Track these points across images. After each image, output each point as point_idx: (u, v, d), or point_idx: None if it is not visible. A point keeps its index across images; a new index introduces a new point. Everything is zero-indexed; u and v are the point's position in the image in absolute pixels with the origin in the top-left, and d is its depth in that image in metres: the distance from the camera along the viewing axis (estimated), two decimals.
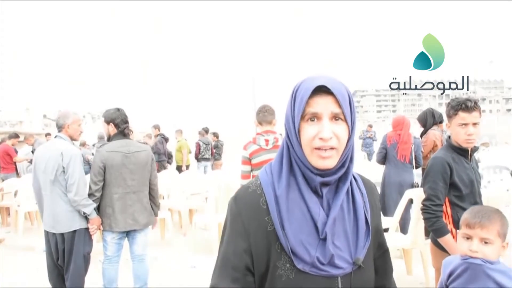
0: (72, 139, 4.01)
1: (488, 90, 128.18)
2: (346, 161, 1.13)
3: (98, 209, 3.91)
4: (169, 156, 12.36)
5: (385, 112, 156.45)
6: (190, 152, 12.87)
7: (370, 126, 18.89)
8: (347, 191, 1.17)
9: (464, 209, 2.14)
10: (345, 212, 1.15)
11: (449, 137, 2.88)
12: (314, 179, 1.11)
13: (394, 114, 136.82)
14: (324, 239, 1.10)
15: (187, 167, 12.37)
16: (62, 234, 3.86)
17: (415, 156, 5.88)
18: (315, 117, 1.09)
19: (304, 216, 1.11)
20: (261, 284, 1.15)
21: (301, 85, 1.13)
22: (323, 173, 1.11)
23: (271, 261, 1.12)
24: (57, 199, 3.81)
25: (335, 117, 1.09)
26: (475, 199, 2.76)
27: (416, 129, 6.61)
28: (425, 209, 2.73)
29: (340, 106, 1.09)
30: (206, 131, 13.43)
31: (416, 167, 5.97)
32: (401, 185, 5.72)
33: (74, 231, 3.84)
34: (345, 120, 1.10)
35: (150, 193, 4.14)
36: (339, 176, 1.13)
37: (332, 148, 1.08)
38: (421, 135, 6.32)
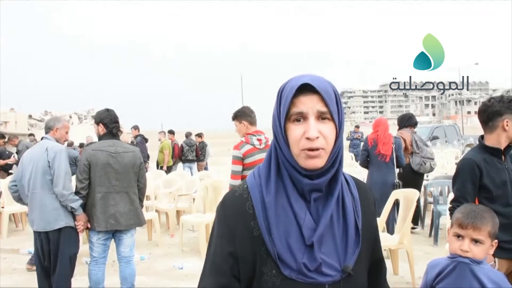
0: (58, 142, 4.07)
1: (473, 92, 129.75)
2: (335, 161, 1.09)
3: (84, 208, 3.89)
4: (147, 157, 12.34)
5: (372, 113, 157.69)
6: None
7: (357, 126, 18.96)
8: (337, 195, 1.12)
9: (495, 211, 2.05)
10: (334, 218, 1.11)
11: (482, 137, 2.77)
12: (302, 181, 1.07)
13: (381, 115, 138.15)
14: (311, 246, 1.06)
15: (168, 168, 12.27)
16: (48, 235, 3.86)
17: (396, 155, 5.96)
18: (301, 117, 1.06)
19: (291, 221, 1.07)
20: None
21: (287, 85, 1.10)
22: (312, 174, 1.07)
23: (257, 267, 1.09)
24: (45, 196, 3.85)
25: (321, 116, 1.06)
26: (507, 200, 2.63)
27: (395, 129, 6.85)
28: (451, 210, 2.65)
29: (326, 105, 1.05)
30: (187, 135, 13.49)
31: (398, 166, 6.06)
32: (384, 184, 5.81)
33: (60, 230, 3.84)
34: (332, 119, 1.07)
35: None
36: (328, 178, 1.09)
37: (319, 148, 1.04)
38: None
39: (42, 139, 4.08)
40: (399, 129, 6.71)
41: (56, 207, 3.83)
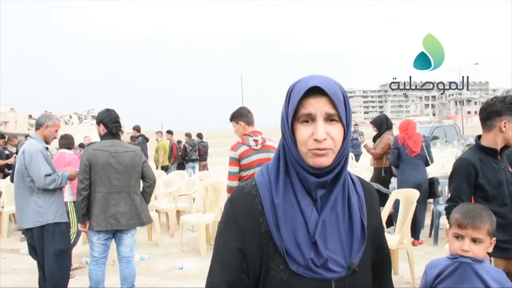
0: (46, 141, 4.11)
1: (473, 92, 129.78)
2: (341, 160, 1.12)
3: (87, 209, 3.90)
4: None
5: (372, 113, 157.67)
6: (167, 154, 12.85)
7: (356, 125, 18.88)
8: (343, 194, 1.15)
9: (491, 211, 2.08)
10: (340, 215, 1.13)
11: (478, 137, 2.77)
12: (308, 179, 1.09)
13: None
14: (316, 242, 1.09)
15: (163, 168, 12.30)
16: (32, 232, 3.92)
17: (427, 153, 6.14)
18: (309, 118, 1.08)
19: (298, 217, 1.10)
20: (255, 285, 1.14)
21: (296, 86, 1.12)
22: (318, 172, 1.09)
23: (264, 262, 1.12)
24: (25, 195, 3.91)
25: (329, 118, 1.07)
26: (504, 200, 2.62)
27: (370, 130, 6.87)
28: (447, 209, 2.66)
29: (335, 107, 1.07)
30: (189, 136, 13.70)
31: (427, 165, 6.18)
32: (416, 181, 5.90)
33: (42, 227, 3.89)
34: (340, 120, 1.09)
35: (143, 192, 4.15)
36: (333, 175, 1.11)
37: (326, 149, 1.07)
38: (375, 138, 6.76)
39: (27, 137, 4.17)
40: (380, 132, 6.71)
41: (35, 207, 3.88)
